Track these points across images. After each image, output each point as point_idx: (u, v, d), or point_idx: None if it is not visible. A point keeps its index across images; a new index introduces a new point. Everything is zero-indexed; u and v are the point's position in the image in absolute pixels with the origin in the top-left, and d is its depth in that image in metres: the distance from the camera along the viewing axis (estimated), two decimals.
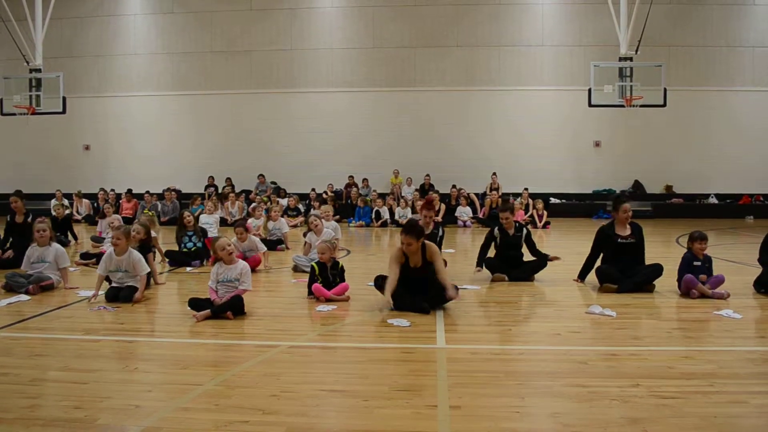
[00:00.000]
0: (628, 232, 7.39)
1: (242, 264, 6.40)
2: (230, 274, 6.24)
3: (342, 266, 7.06)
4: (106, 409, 3.63)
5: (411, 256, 6.29)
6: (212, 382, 4.08)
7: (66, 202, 16.68)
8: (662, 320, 5.89)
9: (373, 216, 17.18)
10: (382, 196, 18.26)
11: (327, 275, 6.88)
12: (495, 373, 4.30)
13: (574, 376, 4.20)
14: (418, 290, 6.23)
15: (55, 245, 7.68)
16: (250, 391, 3.93)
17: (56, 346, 5.06)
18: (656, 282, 7.16)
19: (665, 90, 16.22)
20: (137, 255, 7.02)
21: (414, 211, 17.25)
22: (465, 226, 16.75)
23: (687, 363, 4.48)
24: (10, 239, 9.42)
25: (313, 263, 7.11)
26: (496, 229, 8.22)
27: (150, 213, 8.86)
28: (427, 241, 6.41)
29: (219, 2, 21.05)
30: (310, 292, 6.88)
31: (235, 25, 21.10)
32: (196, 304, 6.04)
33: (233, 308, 5.95)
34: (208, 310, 5.89)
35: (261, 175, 20.18)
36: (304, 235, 9.72)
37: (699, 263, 6.86)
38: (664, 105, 16.41)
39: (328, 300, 6.65)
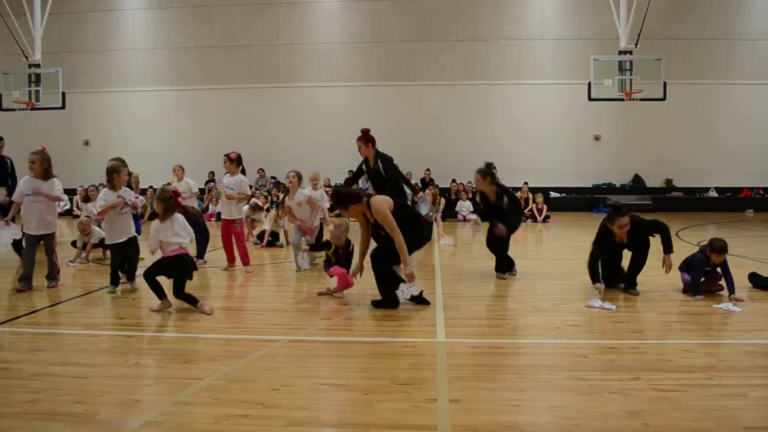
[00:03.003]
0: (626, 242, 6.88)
1: (179, 217, 6.25)
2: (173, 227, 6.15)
3: (353, 246, 7.15)
4: (107, 404, 3.64)
5: (360, 217, 6.20)
6: (212, 376, 4.08)
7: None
8: (662, 313, 5.89)
9: None
10: None
11: (340, 257, 7.02)
12: (495, 366, 4.31)
13: (573, 370, 4.21)
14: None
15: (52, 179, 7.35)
16: (250, 385, 3.94)
17: (57, 341, 5.07)
18: (656, 276, 7.14)
19: (665, 83, 16.19)
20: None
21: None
22: (465, 220, 16.74)
23: (686, 356, 4.49)
24: None
25: (327, 252, 7.11)
26: (477, 195, 8.10)
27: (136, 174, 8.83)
28: (373, 201, 6.02)
29: None
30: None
31: (234, 20, 21.04)
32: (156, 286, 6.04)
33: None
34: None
35: (261, 169, 20.16)
36: (281, 201, 9.34)
37: (709, 269, 6.58)
38: (664, 99, 16.38)
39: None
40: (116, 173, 7.14)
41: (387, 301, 6.13)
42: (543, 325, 5.49)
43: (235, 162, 8.84)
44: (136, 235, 7.41)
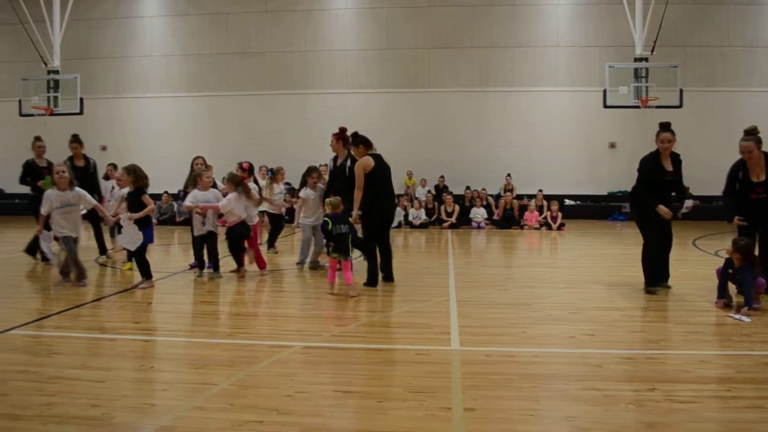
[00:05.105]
0: (670, 168, 7.37)
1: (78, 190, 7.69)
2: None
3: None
4: (123, 408, 3.66)
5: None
6: (227, 381, 4.10)
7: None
8: (678, 323, 5.84)
9: None
10: (396, 197, 18.21)
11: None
12: (509, 375, 4.29)
13: (589, 380, 4.18)
14: None
15: (77, 189, 7.83)
16: (264, 391, 3.95)
17: (73, 344, 5.11)
18: (672, 285, 7.12)
19: (681, 91, 16.07)
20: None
21: (428, 213, 17.25)
22: (479, 227, 16.69)
23: (704, 367, 4.45)
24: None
25: (326, 217, 7.34)
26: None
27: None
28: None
29: (234, 4, 21.14)
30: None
31: (249, 27, 21.18)
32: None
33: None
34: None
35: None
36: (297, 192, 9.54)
37: (732, 270, 6.51)
38: (680, 106, 16.25)
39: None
40: (199, 177, 8.44)
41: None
42: (558, 334, 5.45)
43: (246, 171, 9.22)
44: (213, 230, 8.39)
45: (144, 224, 7.67)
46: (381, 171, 7.76)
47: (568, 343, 5.15)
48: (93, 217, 9.83)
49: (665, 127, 7.33)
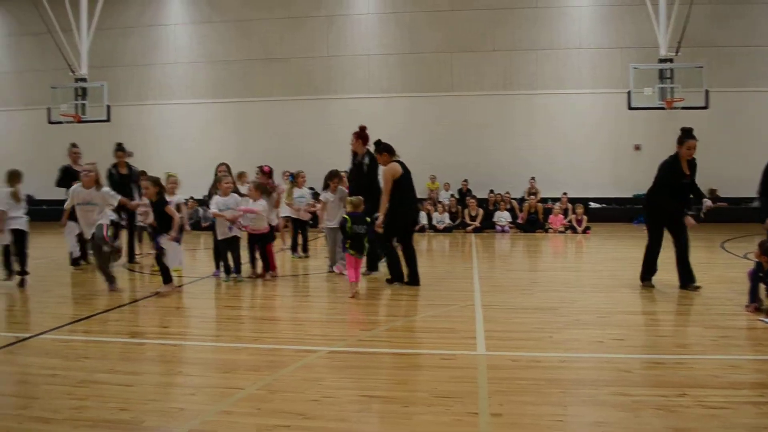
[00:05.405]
0: (687, 171, 7.52)
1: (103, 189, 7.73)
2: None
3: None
4: (152, 412, 3.70)
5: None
6: (254, 386, 4.13)
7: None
8: (707, 327, 5.74)
9: None
10: (420, 201, 18.20)
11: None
12: (536, 380, 4.25)
13: (617, 385, 4.13)
14: None
15: (103, 188, 7.91)
16: (291, 395, 3.96)
17: (103, 349, 5.18)
18: (703, 287, 7.06)
19: (707, 92, 15.82)
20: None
21: (452, 217, 17.20)
22: (503, 231, 16.59)
23: (735, 372, 4.37)
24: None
25: (345, 215, 7.56)
26: None
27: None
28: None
29: (257, 10, 21.32)
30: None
31: (273, 33, 21.33)
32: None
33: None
34: None
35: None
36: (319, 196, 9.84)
37: (762, 274, 6.39)
38: (707, 107, 16.01)
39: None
40: (219, 183, 8.64)
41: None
42: (585, 339, 5.40)
43: (267, 174, 9.42)
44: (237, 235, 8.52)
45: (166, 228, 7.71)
46: (407, 177, 8.01)
47: (595, 348, 5.10)
48: (130, 225, 10.09)
49: (689, 133, 7.34)
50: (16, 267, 8.19)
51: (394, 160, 8.05)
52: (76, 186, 7.86)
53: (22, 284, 8.10)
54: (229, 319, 6.50)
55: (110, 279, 7.78)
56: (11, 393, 4.11)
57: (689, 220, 7.29)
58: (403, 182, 7.96)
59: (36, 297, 7.60)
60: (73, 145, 10.64)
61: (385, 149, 8.13)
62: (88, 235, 7.83)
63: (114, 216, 8.00)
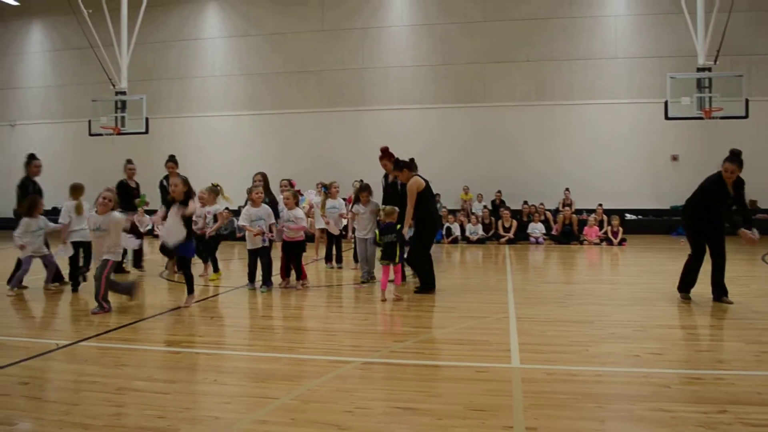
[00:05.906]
0: (732, 191, 7.21)
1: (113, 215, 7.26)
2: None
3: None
4: (188, 420, 3.75)
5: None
6: (288, 396, 4.15)
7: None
8: (748, 342, 5.59)
9: (444, 232, 17.08)
10: (453, 212, 18.18)
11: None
12: (572, 394, 4.19)
13: (655, 400, 4.04)
14: None
15: (114, 214, 7.32)
16: (325, 406, 3.97)
17: (140, 357, 5.28)
18: (740, 302, 6.86)
19: (747, 101, 15.49)
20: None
21: (485, 229, 17.10)
22: (537, 243, 16.43)
23: None
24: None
25: (377, 230, 8.10)
26: None
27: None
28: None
29: (293, 23, 21.62)
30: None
31: (307, 46, 21.59)
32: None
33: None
34: None
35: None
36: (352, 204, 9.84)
37: None
38: (746, 116, 15.67)
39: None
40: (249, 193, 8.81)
41: (424, 281, 8.31)
42: (622, 353, 5.30)
43: (293, 186, 9.95)
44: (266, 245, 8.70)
45: (187, 236, 7.48)
46: (430, 189, 8.45)
47: (632, 362, 5.00)
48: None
49: (731, 155, 7.12)
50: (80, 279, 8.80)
51: (415, 175, 8.45)
52: (91, 213, 7.58)
53: (75, 288, 8.70)
54: (263, 328, 6.56)
55: (105, 302, 7.19)
56: (53, 399, 4.19)
57: (746, 234, 6.92)
58: (428, 194, 8.48)
59: (74, 305, 7.80)
60: (129, 162, 10.81)
61: (405, 166, 8.57)
62: (98, 263, 7.30)
63: (137, 243, 8.36)
